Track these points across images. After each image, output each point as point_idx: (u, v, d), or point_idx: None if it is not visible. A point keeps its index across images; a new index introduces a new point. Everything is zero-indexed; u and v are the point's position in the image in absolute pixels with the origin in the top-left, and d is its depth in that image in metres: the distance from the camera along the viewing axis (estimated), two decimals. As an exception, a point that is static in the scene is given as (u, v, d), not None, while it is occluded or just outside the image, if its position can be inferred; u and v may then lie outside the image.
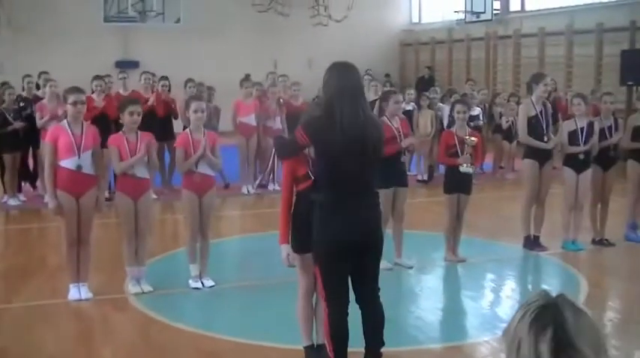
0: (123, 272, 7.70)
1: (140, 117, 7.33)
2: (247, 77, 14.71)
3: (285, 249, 5.29)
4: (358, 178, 4.78)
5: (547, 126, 9.05)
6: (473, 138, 8.35)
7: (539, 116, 9.00)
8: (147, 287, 7.52)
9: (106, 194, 10.34)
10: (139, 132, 7.36)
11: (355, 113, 4.73)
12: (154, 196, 7.57)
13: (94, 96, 12.12)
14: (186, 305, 7.37)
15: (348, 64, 5.00)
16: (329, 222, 4.80)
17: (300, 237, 5.25)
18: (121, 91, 13.43)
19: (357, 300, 5.08)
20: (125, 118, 7.28)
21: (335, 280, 4.90)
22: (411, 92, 14.85)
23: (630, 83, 16.78)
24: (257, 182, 13.64)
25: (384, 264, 8.03)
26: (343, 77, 4.82)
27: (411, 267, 8.44)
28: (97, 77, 12.58)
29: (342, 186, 4.76)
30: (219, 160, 7.65)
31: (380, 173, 7.75)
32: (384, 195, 7.73)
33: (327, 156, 4.77)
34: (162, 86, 13.46)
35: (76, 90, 7.25)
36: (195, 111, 7.48)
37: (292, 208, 5.31)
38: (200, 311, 7.29)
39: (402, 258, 8.49)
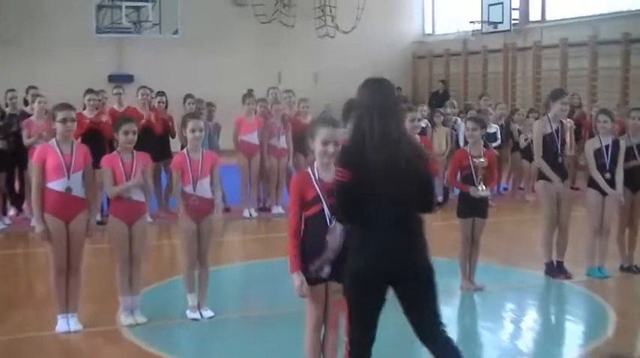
0: (115, 302, 7.68)
1: (136, 137, 7.35)
2: (250, 92, 14.75)
3: (298, 277, 5.21)
4: (395, 202, 4.61)
5: (562, 144, 9.07)
6: (482, 159, 8.31)
7: (554, 134, 9.02)
8: (141, 318, 7.50)
9: (98, 217, 10.37)
10: (135, 152, 7.38)
11: (386, 131, 4.62)
12: (150, 220, 7.55)
13: (85, 112, 12.17)
14: (184, 338, 7.34)
15: (379, 78, 4.94)
16: (360, 249, 4.70)
17: (314, 268, 5.22)
18: (116, 107, 13.49)
19: (421, 341, 4.87)
20: (120, 138, 7.32)
21: (361, 314, 4.78)
22: (424, 109, 14.89)
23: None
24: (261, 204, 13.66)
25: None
26: (373, 93, 4.75)
27: None
28: (89, 91, 12.64)
29: (376, 211, 4.62)
30: (218, 182, 7.66)
31: None
32: None
33: (360, 180, 4.62)
34: (159, 102, 13.51)
35: (66, 106, 7.25)
36: (193, 131, 7.49)
37: (301, 235, 5.27)
38: (198, 344, 7.24)
39: None
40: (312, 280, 5.22)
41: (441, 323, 4.86)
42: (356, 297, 4.75)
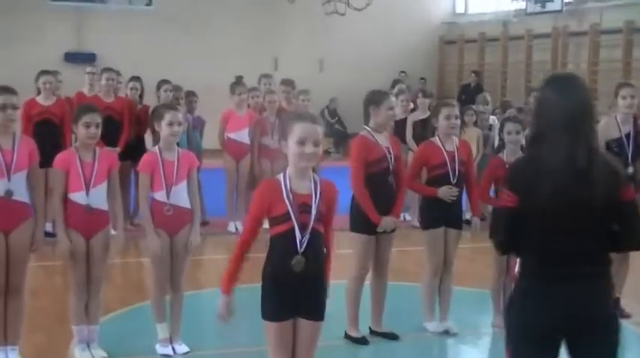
0: (68, 333, 7.68)
1: (99, 131, 7.32)
2: (240, 80, 14.76)
3: (225, 299, 5.31)
4: (573, 242, 4.46)
5: (634, 153, 9.01)
6: None
7: (624, 139, 8.97)
8: (99, 353, 7.51)
9: (48, 228, 10.35)
10: (98, 149, 7.39)
11: (575, 152, 4.39)
12: (113, 233, 7.55)
13: (39, 98, 12.24)
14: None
15: (570, 76, 4.76)
16: (530, 298, 4.56)
17: (274, 300, 5.26)
18: (85, 92, 13.52)
19: None
20: (79, 131, 7.29)
21: None
22: None
23: None
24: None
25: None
26: (562, 98, 4.47)
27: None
28: (44, 72, 12.68)
29: (552, 251, 4.49)
30: (196, 189, 7.67)
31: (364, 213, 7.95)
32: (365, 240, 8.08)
33: (528, 209, 4.46)
34: (132, 89, 13.56)
35: (5, 90, 7.16)
36: (171, 124, 7.48)
37: (254, 257, 5.29)
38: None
39: (380, 325, 8.46)
40: (276, 317, 5.26)
41: None
42: (521, 356, 4.64)
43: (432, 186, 8.30)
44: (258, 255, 5.43)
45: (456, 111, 8.49)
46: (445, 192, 8.25)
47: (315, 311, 5.36)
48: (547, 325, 4.51)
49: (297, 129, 5.12)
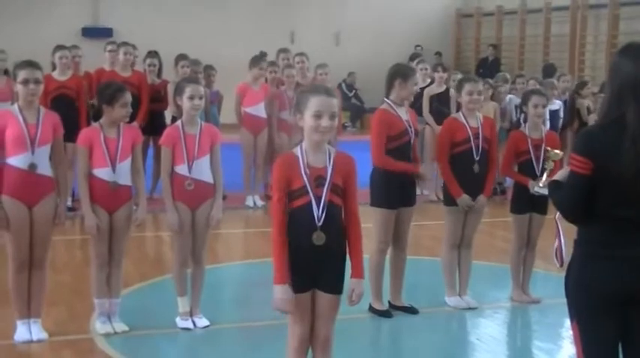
0: (89, 306, 7.76)
1: (130, 110, 7.39)
2: (263, 56, 14.71)
3: (282, 290, 5.19)
4: None
5: None
6: (557, 151, 8.19)
7: None
8: (120, 326, 7.56)
9: (69, 202, 10.41)
10: (122, 125, 7.40)
11: None
12: (135, 208, 7.59)
13: (55, 73, 12.26)
14: (172, 351, 7.42)
15: None
16: (596, 263, 4.56)
17: (293, 272, 5.24)
18: (106, 68, 13.55)
19: None
20: (115, 112, 7.28)
21: (596, 346, 4.62)
22: (459, 78, 15.00)
23: None
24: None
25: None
26: (638, 66, 4.45)
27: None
28: (60, 47, 12.69)
29: (624, 217, 4.48)
30: (219, 163, 7.70)
31: (383, 187, 8.00)
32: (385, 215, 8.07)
33: (604, 176, 4.46)
34: (150, 65, 13.58)
35: (29, 64, 7.22)
36: (192, 98, 7.49)
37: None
38: (190, 358, 7.33)
39: (399, 298, 8.47)
40: (294, 288, 5.27)
41: None
42: (592, 326, 4.62)
43: (455, 163, 8.22)
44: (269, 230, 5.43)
45: (480, 87, 8.49)
46: (464, 202, 8.23)
47: (334, 284, 5.36)
48: (615, 292, 4.50)
49: (313, 103, 5.13)
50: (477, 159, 8.23)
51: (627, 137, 4.37)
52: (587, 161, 4.46)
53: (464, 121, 8.25)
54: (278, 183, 5.22)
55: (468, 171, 8.22)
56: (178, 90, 7.61)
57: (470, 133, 8.20)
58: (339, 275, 5.39)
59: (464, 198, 8.19)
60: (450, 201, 8.35)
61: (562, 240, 5.28)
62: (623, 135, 4.37)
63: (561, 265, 5.41)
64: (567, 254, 5.01)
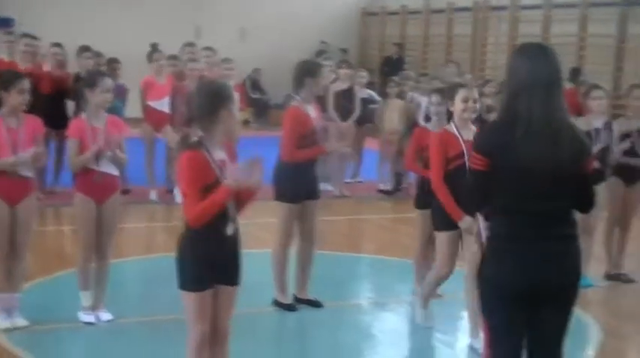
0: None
1: (28, 97, 7.27)
2: (155, 48, 14.68)
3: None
4: (546, 202, 4.62)
5: None
6: None
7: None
8: (21, 322, 7.48)
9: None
10: (23, 115, 7.31)
11: (547, 117, 4.58)
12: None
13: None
14: (75, 346, 7.36)
15: (541, 45, 4.94)
16: (502, 258, 4.70)
17: (196, 270, 5.31)
18: (5, 58, 13.30)
19: None
20: (13, 98, 7.16)
21: (503, 337, 4.80)
22: (363, 75, 15.47)
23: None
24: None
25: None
26: (535, 65, 4.63)
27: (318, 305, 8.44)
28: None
29: (522, 212, 4.64)
30: (125, 156, 7.66)
31: (288, 182, 7.98)
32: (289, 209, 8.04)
33: (503, 171, 4.62)
34: (54, 54, 13.37)
35: None
36: (106, 91, 7.45)
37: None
38: (92, 353, 7.28)
39: (305, 292, 8.46)
40: (199, 286, 5.34)
41: (561, 354, 4.90)
42: (496, 318, 4.80)
43: (447, 181, 7.26)
44: (178, 224, 5.44)
45: (475, 94, 7.45)
46: (467, 225, 7.09)
47: (235, 275, 5.48)
48: (521, 284, 4.66)
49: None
50: None
51: (521, 133, 4.55)
52: (482, 158, 4.65)
53: (457, 134, 7.26)
54: (194, 180, 5.23)
55: (460, 190, 6.96)
56: (89, 83, 7.53)
57: (464, 147, 7.18)
58: (239, 265, 5.50)
59: (467, 221, 7.06)
60: (445, 225, 7.40)
61: (481, 226, 5.46)
62: (517, 131, 4.56)
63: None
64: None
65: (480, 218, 5.95)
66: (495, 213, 4.78)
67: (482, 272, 4.82)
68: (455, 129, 7.27)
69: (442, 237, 7.46)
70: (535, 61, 4.66)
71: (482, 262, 4.85)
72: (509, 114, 4.67)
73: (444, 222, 7.36)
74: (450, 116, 7.47)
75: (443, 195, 7.23)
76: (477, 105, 7.38)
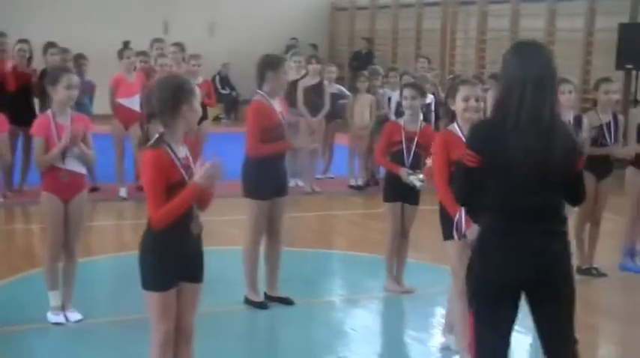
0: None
1: None
2: (127, 45, 14.62)
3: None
4: (536, 199, 4.68)
5: None
6: (421, 176, 8.26)
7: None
8: (-12, 322, 7.42)
9: None
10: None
11: (538, 113, 4.63)
12: (1, 200, 7.41)
13: None
14: (44, 347, 7.29)
15: (534, 43, 4.96)
16: (490, 253, 4.77)
17: (159, 269, 5.27)
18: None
19: None
20: None
21: (489, 333, 4.84)
22: (332, 70, 15.46)
23: (629, 66, 17.13)
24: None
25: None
26: (527, 62, 4.70)
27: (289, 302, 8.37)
28: None
29: (512, 207, 4.70)
30: (93, 153, 7.57)
31: (256, 178, 7.91)
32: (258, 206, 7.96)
33: (494, 168, 4.68)
34: (20, 50, 13.27)
35: None
36: (69, 88, 7.37)
37: None
38: (62, 354, 7.22)
39: (275, 290, 8.39)
40: (164, 286, 5.30)
41: (575, 343, 5.06)
42: (484, 313, 4.84)
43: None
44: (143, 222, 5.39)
45: (478, 91, 6.95)
46: (474, 234, 5.92)
47: (198, 272, 5.45)
48: (508, 280, 4.74)
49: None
50: None
51: (511, 127, 4.62)
52: (474, 154, 4.73)
53: (460, 135, 6.65)
54: (159, 179, 5.16)
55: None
56: (52, 79, 7.45)
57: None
58: (202, 261, 5.47)
59: (474, 232, 6.27)
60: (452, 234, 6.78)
61: (462, 215, 5.74)
62: (507, 125, 4.63)
63: (459, 238, 6.06)
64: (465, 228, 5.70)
65: (462, 212, 5.94)
66: (485, 209, 4.82)
67: (471, 267, 4.88)
68: (458, 130, 6.72)
69: (451, 248, 6.79)
70: (527, 58, 4.73)
71: (471, 258, 4.92)
72: (500, 110, 4.74)
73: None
74: (452, 115, 6.95)
75: (449, 205, 6.51)
76: (481, 104, 6.84)
